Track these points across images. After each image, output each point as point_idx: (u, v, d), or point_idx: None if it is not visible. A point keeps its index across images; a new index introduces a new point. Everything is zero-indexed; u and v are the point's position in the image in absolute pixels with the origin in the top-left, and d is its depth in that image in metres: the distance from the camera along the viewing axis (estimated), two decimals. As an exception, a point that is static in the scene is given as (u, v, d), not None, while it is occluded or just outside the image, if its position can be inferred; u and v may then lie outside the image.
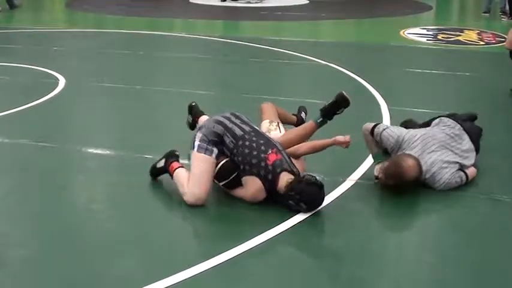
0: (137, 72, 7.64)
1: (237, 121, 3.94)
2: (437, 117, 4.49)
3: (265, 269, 3.16)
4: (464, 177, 4.03)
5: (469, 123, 4.83)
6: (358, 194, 4.00)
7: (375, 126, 4.24)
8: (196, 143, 3.85)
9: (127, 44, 9.76)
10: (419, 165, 3.88)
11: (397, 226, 3.71)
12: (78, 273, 3.05)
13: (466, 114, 5.00)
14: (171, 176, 3.96)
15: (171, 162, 4.01)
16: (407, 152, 4.02)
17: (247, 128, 3.90)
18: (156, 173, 4.13)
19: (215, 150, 3.82)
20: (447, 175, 3.96)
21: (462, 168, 4.06)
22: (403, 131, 4.20)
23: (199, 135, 3.88)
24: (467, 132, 4.26)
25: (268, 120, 4.44)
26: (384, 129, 4.19)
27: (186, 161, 3.99)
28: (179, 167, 3.96)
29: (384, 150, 4.29)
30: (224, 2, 15.36)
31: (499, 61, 7.54)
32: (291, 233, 3.47)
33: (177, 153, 4.10)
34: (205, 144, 3.82)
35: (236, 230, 3.57)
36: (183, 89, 6.67)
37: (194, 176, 3.79)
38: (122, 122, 5.72)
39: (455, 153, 4.08)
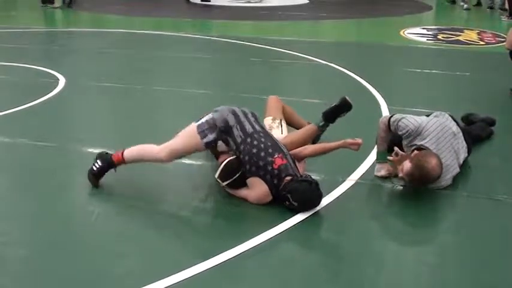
0: (137, 72, 7.64)
1: (252, 118, 3.91)
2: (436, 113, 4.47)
3: (265, 268, 3.15)
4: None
5: (480, 124, 4.85)
6: (358, 194, 3.99)
7: (391, 116, 4.20)
8: (203, 119, 3.86)
9: (127, 44, 9.76)
10: (441, 162, 3.86)
11: (397, 226, 3.71)
12: (78, 273, 3.05)
13: (484, 117, 5.06)
14: (116, 164, 3.96)
15: (111, 155, 4.00)
16: (424, 140, 3.99)
17: (257, 127, 3.88)
18: (98, 175, 4.01)
19: (210, 137, 3.80)
20: (449, 181, 3.99)
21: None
22: (424, 119, 4.16)
23: (209, 115, 3.87)
24: (462, 131, 4.29)
25: (271, 117, 4.43)
26: (403, 117, 4.14)
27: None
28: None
29: (390, 143, 4.24)
30: (204, 2, 15.25)
31: (499, 61, 7.53)
32: (292, 232, 3.47)
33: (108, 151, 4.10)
34: (206, 126, 3.81)
35: (236, 230, 3.57)
36: (183, 88, 6.68)
37: (178, 142, 3.85)
38: (122, 122, 5.71)
39: (455, 153, 4.09)
